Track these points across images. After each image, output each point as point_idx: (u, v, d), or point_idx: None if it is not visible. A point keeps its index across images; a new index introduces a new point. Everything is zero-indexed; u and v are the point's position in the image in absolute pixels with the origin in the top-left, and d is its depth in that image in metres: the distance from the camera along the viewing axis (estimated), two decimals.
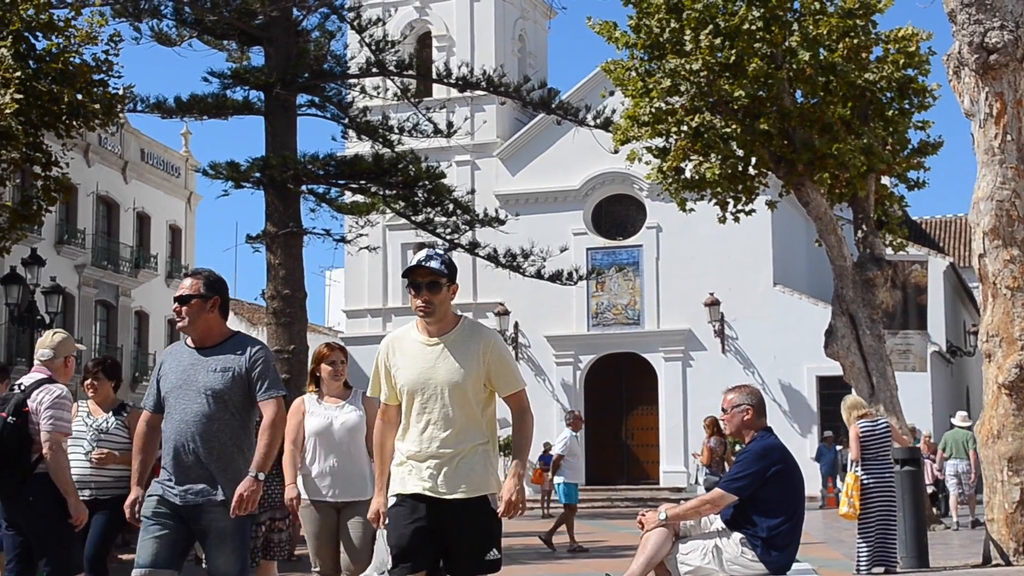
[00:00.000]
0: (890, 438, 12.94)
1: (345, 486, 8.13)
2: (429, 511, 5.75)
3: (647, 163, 22.79)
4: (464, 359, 5.82)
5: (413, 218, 29.03)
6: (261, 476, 6.26)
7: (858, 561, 12.51)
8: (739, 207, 22.71)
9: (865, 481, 12.35)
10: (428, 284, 5.84)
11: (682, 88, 20.85)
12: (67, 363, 8.30)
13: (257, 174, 26.89)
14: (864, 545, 12.36)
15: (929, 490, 22.52)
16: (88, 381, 9.08)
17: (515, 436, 5.90)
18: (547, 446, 34.80)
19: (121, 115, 27.08)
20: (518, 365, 6.07)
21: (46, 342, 8.27)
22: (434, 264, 5.84)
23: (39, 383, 8.01)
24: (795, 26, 20.82)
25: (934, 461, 23.87)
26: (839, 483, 30.52)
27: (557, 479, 19.44)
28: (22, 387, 8.00)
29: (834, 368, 24.13)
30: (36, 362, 8.24)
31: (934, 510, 22.15)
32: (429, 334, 5.91)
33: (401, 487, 5.84)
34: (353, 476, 8.16)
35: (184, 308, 6.37)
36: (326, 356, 8.33)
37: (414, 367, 5.88)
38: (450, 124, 29.48)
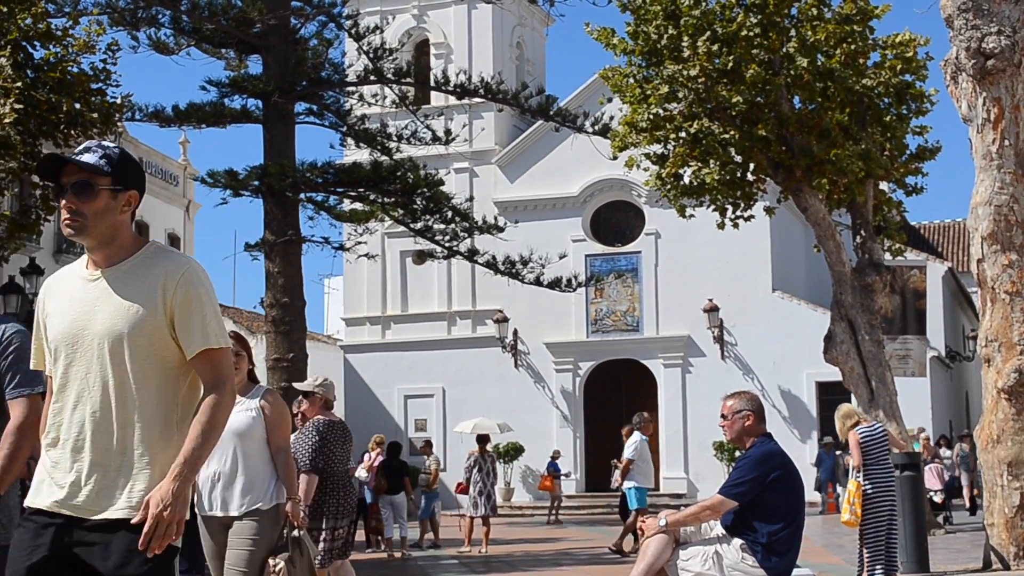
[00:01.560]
0: (888, 442, 12.85)
1: (229, 498, 7.20)
2: (63, 536, 3.82)
3: (645, 169, 22.80)
4: (136, 298, 3.89)
5: (412, 225, 29.01)
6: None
7: (862, 568, 12.43)
8: (738, 213, 22.72)
9: (867, 489, 12.23)
10: (76, 186, 3.92)
11: (680, 94, 20.86)
12: None
13: (255, 182, 26.88)
14: (870, 553, 12.24)
15: (939, 497, 22.40)
16: None
17: (198, 418, 3.88)
18: (556, 453, 34.70)
19: (119, 124, 27.06)
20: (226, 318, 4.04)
21: None
22: (88, 158, 3.95)
23: None
24: (793, 32, 20.84)
25: (940, 464, 23.82)
26: (839, 489, 30.54)
27: (627, 484, 18.86)
28: None
29: (833, 374, 24.13)
30: None
31: (938, 517, 22.08)
32: (95, 265, 4.00)
33: (32, 496, 3.93)
34: (241, 487, 7.19)
35: None
36: None
37: (66, 313, 3.96)
38: (448, 131, 29.47)
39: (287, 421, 7.45)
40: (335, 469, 9.55)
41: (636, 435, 19.06)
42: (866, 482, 12.20)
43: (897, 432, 20.46)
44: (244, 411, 7.30)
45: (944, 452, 28.08)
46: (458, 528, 24.45)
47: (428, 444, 25.56)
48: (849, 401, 27.89)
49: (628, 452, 18.92)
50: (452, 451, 37.30)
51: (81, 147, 4.04)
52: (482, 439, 21.80)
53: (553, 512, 31.81)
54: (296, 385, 9.82)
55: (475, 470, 20.88)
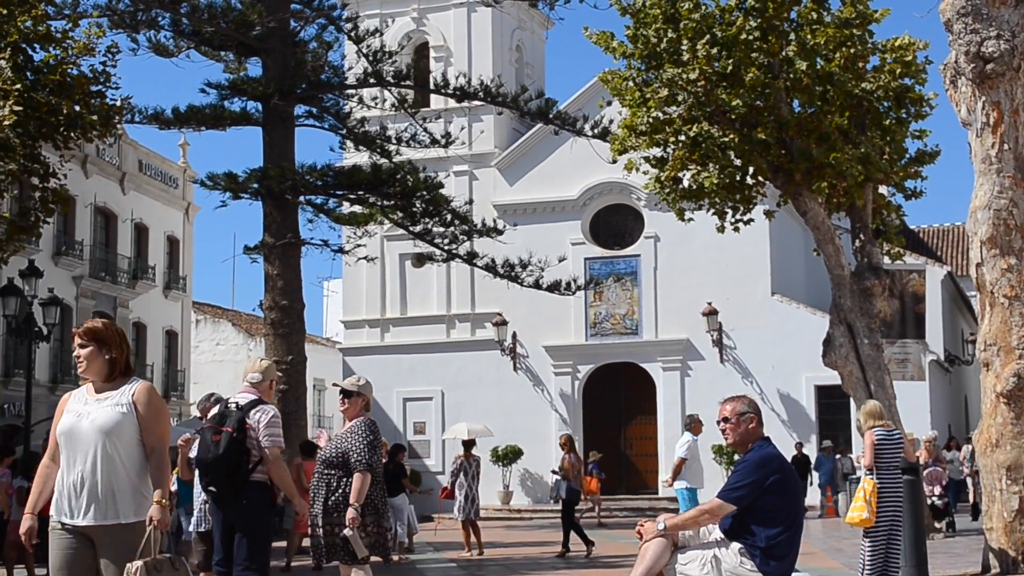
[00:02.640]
0: (902, 449, 12.80)
1: (95, 506, 6.44)
2: None
3: (645, 173, 22.79)
4: None
5: (411, 228, 29.02)
6: None
7: (864, 568, 12.37)
8: (737, 217, 22.71)
9: (879, 488, 12.19)
10: None
11: (679, 98, 20.85)
12: (271, 386, 9.50)
13: (255, 185, 26.90)
14: (872, 552, 12.19)
15: (941, 502, 22.31)
16: None
17: None
18: (594, 455, 34.59)
19: (119, 126, 27.09)
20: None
21: (256, 367, 9.45)
22: None
23: (254, 403, 9.18)
24: (792, 36, 20.83)
25: (943, 469, 23.71)
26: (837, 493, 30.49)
27: (678, 484, 18.45)
28: (239, 405, 9.18)
29: (832, 377, 24.11)
30: (245, 384, 9.40)
31: (939, 523, 22.05)
32: None
33: None
34: (106, 493, 6.45)
35: None
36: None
37: None
38: (448, 134, 29.50)
39: (164, 417, 6.68)
40: (378, 468, 9.59)
41: (687, 435, 18.70)
42: (878, 483, 12.17)
43: None
44: (113, 406, 6.53)
45: (952, 454, 27.85)
46: (434, 532, 24.41)
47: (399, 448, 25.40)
48: (848, 405, 27.77)
49: (680, 451, 18.57)
50: (451, 455, 37.29)
51: None
52: (467, 443, 21.77)
53: (597, 515, 31.80)
54: (342, 384, 9.81)
55: (461, 474, 20.86)
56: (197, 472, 9.45)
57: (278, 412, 9.51)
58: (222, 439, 9.06)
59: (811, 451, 34.00)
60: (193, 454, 11.09)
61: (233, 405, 9.27)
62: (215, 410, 9.49)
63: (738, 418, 7.77)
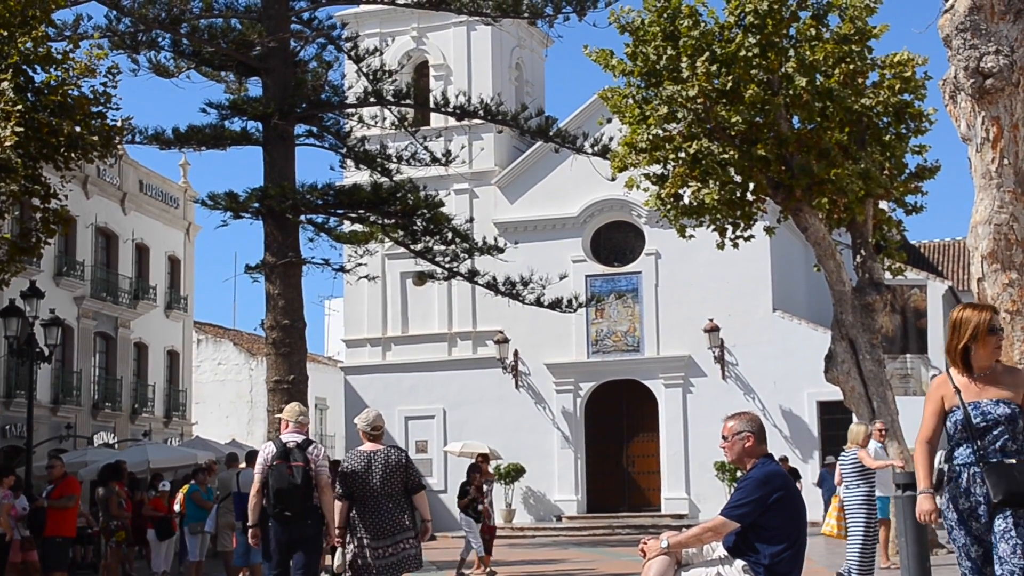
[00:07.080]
0: (848, 468, 14.71)
1: None
2: None
3: (645, 190, 22.82)
4: None
5: (412, 247, 29.04)
6: None
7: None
8: (738, 233, 22.71)
9: (846, 504, 14.40)
10: None
11: (679, 115, 20.88)
12: (306, 425, 11.25)
13: (256, 204, 26.93)
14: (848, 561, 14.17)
15: None
16: None
17: None
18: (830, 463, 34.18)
19: (119, 147, 27.12)
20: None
21: (299, 411, 11.16)
22: None
23: (309, 441, 10.97)
24: (791, 52, 20.87)
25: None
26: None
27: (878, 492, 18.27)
28: (297, 444, 10.84)
29: (835, 393, 24.10)
30: (294, 425, 11.06)
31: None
32: None
33: None
34: None
35: None
36: None
37: None
38: (448, 153, 29.54)
39: None
40: (359, 494, 10.34)
41: (873, 443, 17.83)
42: (845, 499, 14.57)
43: (898, 451, 20.44)
44: None
45: None
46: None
47: None
48: (850, 421, 27.70)
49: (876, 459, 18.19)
50: (453, 473, 37.26)
51: None
52: (485, 458, 21.70)
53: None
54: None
55: (491, 492, 20.79)
56: (273, 500, 10.83)
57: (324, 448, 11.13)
58: (296, 472, 10.70)
59: (814, 467, 33.91)
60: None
61: (292, 444, 10.84)
62: (272, 448, 10.93)
63: (733, 437, 7.76)
